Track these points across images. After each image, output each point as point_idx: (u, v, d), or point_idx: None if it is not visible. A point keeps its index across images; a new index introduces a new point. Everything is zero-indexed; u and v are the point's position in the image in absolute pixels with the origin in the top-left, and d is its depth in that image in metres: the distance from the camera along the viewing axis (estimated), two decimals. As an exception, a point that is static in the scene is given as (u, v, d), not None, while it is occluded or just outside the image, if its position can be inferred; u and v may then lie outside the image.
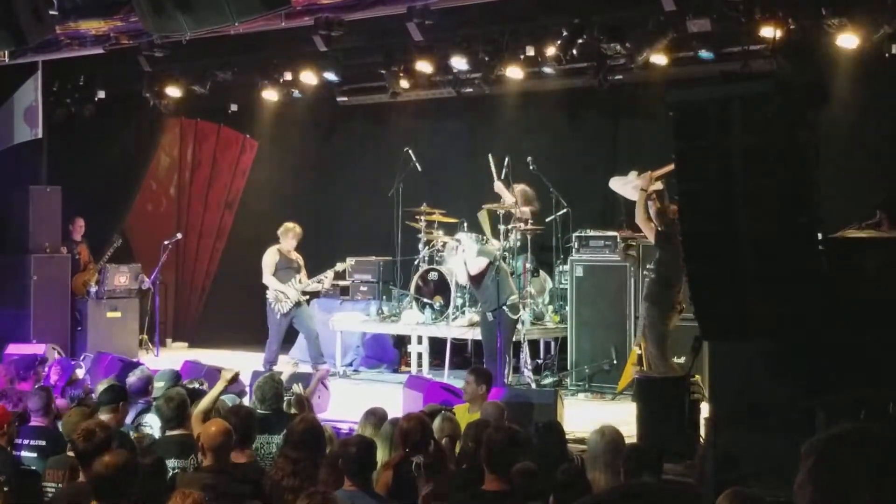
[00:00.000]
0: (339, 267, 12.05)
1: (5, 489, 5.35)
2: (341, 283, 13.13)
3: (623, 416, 9.07)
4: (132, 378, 8.13)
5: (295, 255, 11.64)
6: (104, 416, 6.84)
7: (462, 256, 10.92)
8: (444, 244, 11.89)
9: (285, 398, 7.50)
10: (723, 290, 7.52)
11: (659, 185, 9.53)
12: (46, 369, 9.76)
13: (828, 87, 8.78)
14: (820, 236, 8.10)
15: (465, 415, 7.74)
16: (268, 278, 11.48)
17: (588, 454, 6.33)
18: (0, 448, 6.20)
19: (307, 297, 11.79)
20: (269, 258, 11.51)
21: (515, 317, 10.50)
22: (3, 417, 6.31)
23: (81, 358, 11.13)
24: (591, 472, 5.98)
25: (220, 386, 7.16)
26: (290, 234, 11.53)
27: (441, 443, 6.50)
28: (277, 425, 6.99)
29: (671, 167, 9.49)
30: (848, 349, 7.57)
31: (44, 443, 6.63)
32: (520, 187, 11.45)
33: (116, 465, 4.92)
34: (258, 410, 7.24)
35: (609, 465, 6.12)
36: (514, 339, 10.70)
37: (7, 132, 12.55)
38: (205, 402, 6.80)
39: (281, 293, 11.39)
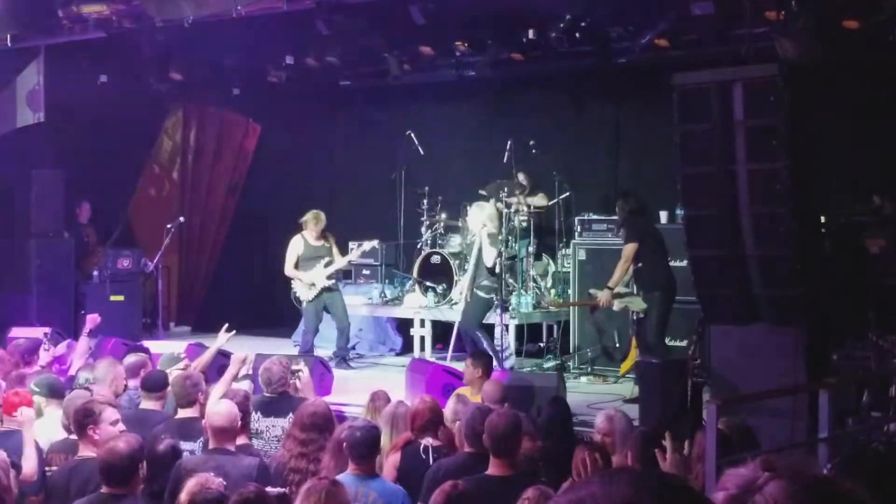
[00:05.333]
0: (367, 245, 11.91)
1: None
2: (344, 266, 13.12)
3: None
4: (129, 360, 8.14)
5: (321, 242, 11.38)
6: (147, 404, 6.91)
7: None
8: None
9: (291, 381, 7.52)
10: (725, 273, 7.54)
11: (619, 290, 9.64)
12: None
13: (831, 71, 8.76)
14: (823, 220, 8.12)
15: (468, 398, 7.76)
16: (288, 270, 11.32)
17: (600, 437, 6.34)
18: (17, 432, 6.22)
19: (332, 280, 11.45)
20: (291, 249, 11.32)
21: (488, 296, 10.51)
22: (22, 404, 6.33)
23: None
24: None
25: (232, 369, 7.20)
26: (310, 224, 11.31)
27: (452, 426, 6.51)
28: (283, 408, 7.01)
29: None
30: (851, 331, 7.59)
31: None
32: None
33: (124, 451, 4.95)
34: (264, 394, 7.26)
35: (620, 448, 6.15)
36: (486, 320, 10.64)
37: (10, 116, 12.54)
38: (220, 387, 6.82)
39: (300, 282, 11.25)
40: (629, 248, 9.36)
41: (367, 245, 11.83)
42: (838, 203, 9.07)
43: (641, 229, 9.45)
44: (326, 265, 11.32)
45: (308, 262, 11.32)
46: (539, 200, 11.74)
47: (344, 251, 12.74)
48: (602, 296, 9.59)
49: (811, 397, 6.51)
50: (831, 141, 8.99)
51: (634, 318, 9.66)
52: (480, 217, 10.65)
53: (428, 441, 6.10)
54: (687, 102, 7.48)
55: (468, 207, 11.59)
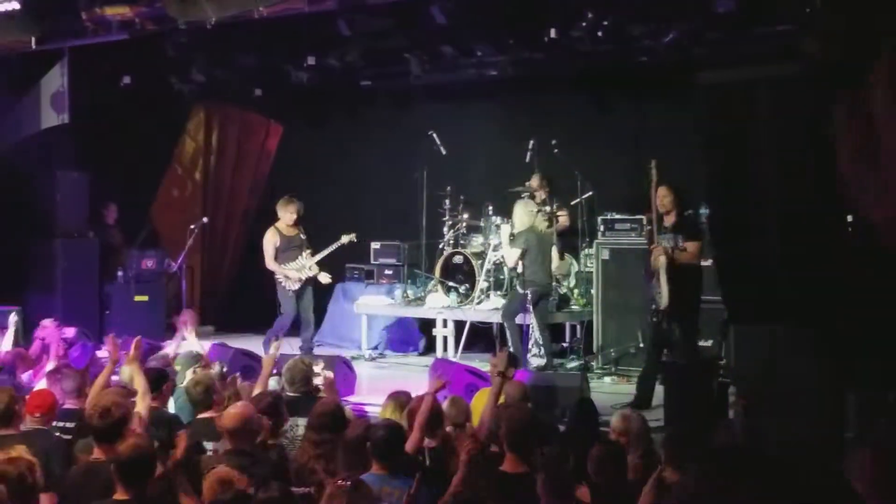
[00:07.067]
0: (345, 239, 11.96)
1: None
2: (366, 266, 13.16)
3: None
4: (152, 362, 8.20)
5: (295, 231, 11.62)
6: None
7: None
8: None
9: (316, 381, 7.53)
10: (750, 272, 7.50)
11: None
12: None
13: (857, 68, 8.69)
14: (849, 219, 8.07)
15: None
16: (270, 264, 11.50)
17: (615, 436, 6.31)
18: (44, 431, 6.25)
19: (316, 273, 11.65)
20: (268, 243, 11.52)
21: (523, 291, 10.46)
22: (44, 404, 6.36)
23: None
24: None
25: (265, 370, 7.42)
26: (281, 211, 11.53)
27: (447, 429, 6.46)
28: (306, 408, 7.01)
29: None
30: (879, 331, 7.52)
31: (72, 425, 6.68)
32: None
33: (137, 449, 4.94)
34: (287, 393, 7.27)
35: (634, 448, 6.12)
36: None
37: (34, 118, 12.63)
38: (258, 387, 6.98)
39: (285, 276, 11.48)
40: (699, 246, 8.99)
41: (345, 238, 11.88)
42: (864, 202, 8.98)
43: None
44: (312, 254, 11.55)
45: (285, 253, 11.51)
46: (564, 220, 11.71)
47: (364, 251, 12.87)
48: (662, 248, 9.00)
49: (837, 397, 6.47)
50: (859, 139, 8.92)
51: (651, 319, 9.44)
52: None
53: (424, 441, 6.09)
54: (712, 101, 7.46)
55: (490, 208, 11.63)
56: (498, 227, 11.65)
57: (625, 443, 6.13)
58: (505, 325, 10.57)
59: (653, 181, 8.96)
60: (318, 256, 11.57)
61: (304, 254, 11.54)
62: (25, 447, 5.23)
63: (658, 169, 8.97)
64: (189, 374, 7.58)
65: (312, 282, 11.62)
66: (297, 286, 11.45)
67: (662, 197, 9.12)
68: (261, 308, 14.18)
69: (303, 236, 11.65)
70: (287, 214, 11.51)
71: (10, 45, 11.85)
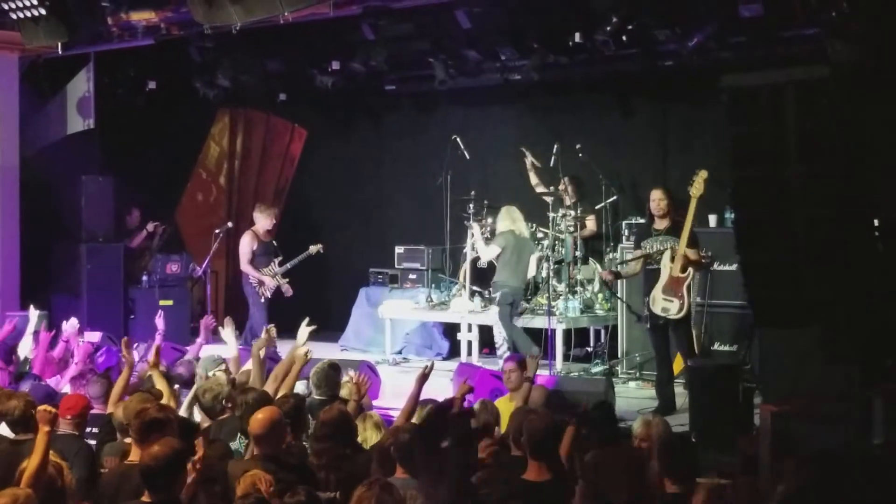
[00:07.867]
0: (313, 249, 12.34)
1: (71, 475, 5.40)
2: (390, 271, 13.16)
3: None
4: (180, 368, 8.23)
5: (269, 238, 12.10)
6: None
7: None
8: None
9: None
10: (777, 276, 7.45)
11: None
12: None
13: (886, 72, 8.63)
14: (876, 223, 8.01)
15: (509, 404, 7.66)
16: (245, 266, 11.96)
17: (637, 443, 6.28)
18: (74, 436, 6.27)
19: (287, 279, 12.12)
20: (246, 246, 11.95)
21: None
22: (76, 406, 6.38)
23: (135, 346, 11.22)
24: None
25: (295, 370, 7.36)
26: (270, 212, 12.10)
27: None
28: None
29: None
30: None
31: (97, 430, 6.71)
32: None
33: (164, 455, 4.94)
34: (314, 396, 7.27)
35: (656, 454, 6.08)
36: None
37: (60, 123, 12.72)
38: (283, 390, 6.99)
39: (259, 281, 11.90)
40: (698, 253, 9.04)
41: (313, 249, 12.36)
42: (892, 205, 8.92)
43: None
44: (280, 264, 12.05)
45: (261, 258, 11.99)
46: (591, 224, 11.70)
47: (389, 256, 12.89)
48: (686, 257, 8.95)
49: (865, 403, 6.42)
50: (886, 143, 8.86)
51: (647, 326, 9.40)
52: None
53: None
54: (737, 105, 7.41)
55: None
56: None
57: (647, 448, 6.09)
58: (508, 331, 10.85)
59: (697, 193, 8.84)
60: (288, 266, 12.06)
61: (275, 261, 11.97)
62: (52, 451, 5.25)
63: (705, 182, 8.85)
64: None
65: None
66: (269, 294, 11.89)
67: (658, 200, 9.12)
68: (285, 313, 14.20)
69: (275, 243, 12.09)
70: (266, 220, 12.02)
71: (37, 50, 11.93)
